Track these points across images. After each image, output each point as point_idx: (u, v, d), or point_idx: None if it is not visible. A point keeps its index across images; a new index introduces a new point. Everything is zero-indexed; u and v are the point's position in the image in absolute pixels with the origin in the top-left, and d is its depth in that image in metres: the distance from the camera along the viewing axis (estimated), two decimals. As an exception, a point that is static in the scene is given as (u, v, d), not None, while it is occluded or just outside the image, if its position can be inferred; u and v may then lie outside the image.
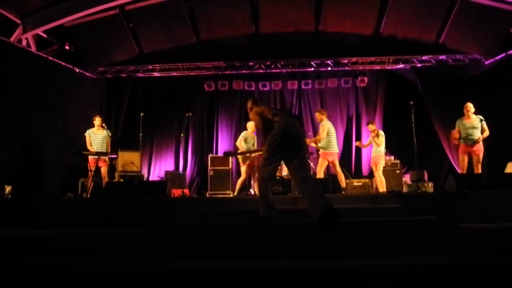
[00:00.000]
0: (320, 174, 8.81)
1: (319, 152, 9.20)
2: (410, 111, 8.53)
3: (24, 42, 9.78)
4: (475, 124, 8.32)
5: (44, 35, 10.28)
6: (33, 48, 9.95)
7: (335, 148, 8.88)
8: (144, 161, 11.52)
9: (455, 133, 8.52)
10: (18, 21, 9.61)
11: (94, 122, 9.28)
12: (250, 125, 9.48)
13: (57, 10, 9.76)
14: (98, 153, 8.91)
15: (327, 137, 8.80)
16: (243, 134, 9.56)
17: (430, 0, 9.97)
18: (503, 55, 10.45)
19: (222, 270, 2.40)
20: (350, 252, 3.26)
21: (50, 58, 10.20)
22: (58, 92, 10.21)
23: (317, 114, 9.27)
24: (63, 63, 10.56)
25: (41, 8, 9.68)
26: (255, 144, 9.51)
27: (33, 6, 9.59)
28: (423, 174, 10.33)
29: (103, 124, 9.34)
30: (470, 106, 8.44)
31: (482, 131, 8.29)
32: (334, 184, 8.19)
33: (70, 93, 10.58)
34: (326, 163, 8.86)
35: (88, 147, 9.11)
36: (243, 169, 9.48)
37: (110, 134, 9.41)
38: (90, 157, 8.89)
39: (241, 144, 9.45)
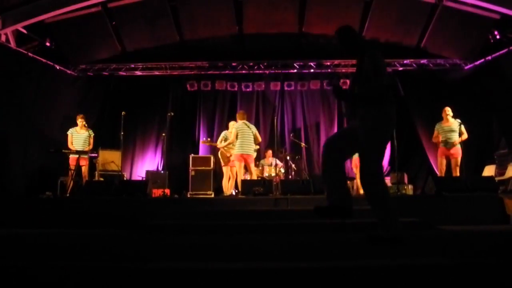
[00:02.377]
0: (241, 175, 8.82)
1: (231, 155, 9.28)
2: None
3: (3, 38, 9.59)
4: (453, 127, 8.48)
5: (24, 31, 10.10)
6: (12, 44, 9.77)
7: (247, 150, 8.76)
8: (125, 160, 11.40)
9: (435, 137, 8.69)
10: (-3, 16, 9.45)
11: (77, 121, 9.21)
12: (232, 124, 9.49)
13: (38, 6, 9.59)
14: (78, 152, 8.83)
15: (238, 139, 8.77)
16: (224, 134, 9.57)
17: (412, 5, 10.10)
18: (482, 60, 10.63)
19: (202, 271, 2.39)
20: (331, 253, 3.27)
21: (30, 54, 10.03)
22: (37, 89, 10.04)
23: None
24: (44, 60, 10.39)
25: (22, 3, 9.51)
26: None
27: (14, 1, 9.42)
28: (403, 177, 10.43)
29: (85, 124, 9.28)
30: (449, 110, 8.60)
31: (461, 135, 8.44)
32: (315, 185, 8.21)
33: (50, 91, 10.41)
34: (242, 164, 8.81)
35: (69, 145, 9.05)
36: (225, 169, 9.48)
37: (92, 134, 9.35)
38: (71, 156, 8.81)
39: (221, 144, 9.46)
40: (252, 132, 8.87)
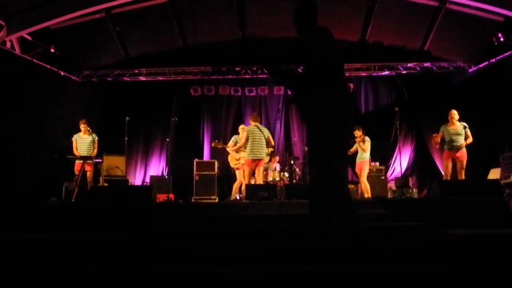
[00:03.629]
0: (246, 181, 8.67)
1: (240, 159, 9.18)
2: (395, 117, 8.61)
3: (8, 44, 9.64)
4: (459, 130, 8.45)
5: (29, 38, 10.15)
6: (17, 51, 9.81)
7: (258, 155, 8.52)
8: (129, 165, 11.42)
9: (437, 138, 8.63)
10: (3, 23, 9.47)
11: (80, 127, 9.24)
12: (241, 129, 9.43)
13: (43, 13, 9.63)
14: (83, 157, 8.86)
15: (248, 143, 8.56)
16: (234, 138, 9.54)
17: (415, 8, 10.07)
18: (486, 63, 10.59)
19: (206, 276, 2.38)
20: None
21: (34, 61, 10.07)
22: (42, 96, 10.08)
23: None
24: (48, 66, 10.43)
25: (26, 10, 9.54)
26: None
27: (18, 8, 9.45)
28: (408, 180, 10.41)
29: (89, 129, 9.31)
30: (455, 113, 8.57)
31: (466, 138, 8.42)
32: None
33: (54, 97, 10.44)
34: (251, 170, 8.66)
35: (74, 151, 9.09)
36: (237, 173, 9.46)
37: (96, 138, 9.38)
38: (76, 161, 8.84)
39: (232, 148, 9.45)
40: (264, 136, 8.63)
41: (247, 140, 8.60)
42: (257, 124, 8.77)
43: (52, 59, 10.67)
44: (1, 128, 8.98)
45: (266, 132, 8.80)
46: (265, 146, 8.64)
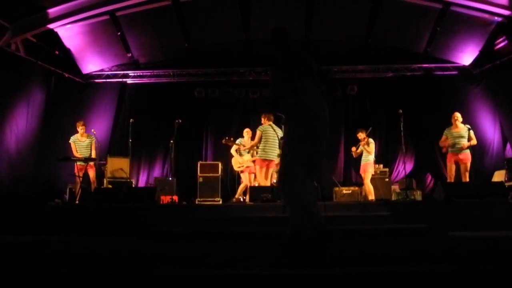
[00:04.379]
0: (260, 180, 8.47)
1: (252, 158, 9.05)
2: (399, 119, 8.59)
3: (13, 46, 9.70)
4: (462, 133, 8.42)
5: (34, 40, 10.20)
6: (22, 52, 9.87)
7: (270, 155, 8.33)
8: (133, 167, 11.43)
9: (447, 142, 8.61)
10: (7, 25, 9.53)
11: (78, 128, 9.24)
12: (246, 132, 9.39)
13: (47, 15, 9.71)
14: (86, 159, 8.87)
15: (261, 143, 8.37)
16: (238, 141, 9.51)
17: (419, 10, 10.08)
18: (490, 65, 10.56)
19: (210, 277, 2.38)
20: (339, 259, 3.26)
21: (39, 62, 10.12)
22: (46, 97, 10.15)
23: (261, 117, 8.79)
24: (52, 68, 10.48)
25: (31, 13, 9.62)
26: (253, 153, 9.36)
27: (23, 11, 9.53)
28: (411, 182, 10.37)
29: (93, 130, 9.33)
30: (458, 116, 8.54)
31: (469, 140, 8.38)
32: (323, 190, 8.15)
33: (58, 98, 10.49)
34: (264, 170, 8.46)
35: (74, 153, 9.09)
36: (242, 176, 9.43)
37: (94, 140, 9.36)
38: (78, 163, 8.85)
39: (234, 151, 9.42)
40: (277, 136, 8.41)
41: (260, 139, 8.40)
42: (271, 123, 8.54)
43: (56, 61, 10.72)
44: (5, 129, 9.03)
45: (280, 132, 8.52)
46: (277, 147, 8.41)
